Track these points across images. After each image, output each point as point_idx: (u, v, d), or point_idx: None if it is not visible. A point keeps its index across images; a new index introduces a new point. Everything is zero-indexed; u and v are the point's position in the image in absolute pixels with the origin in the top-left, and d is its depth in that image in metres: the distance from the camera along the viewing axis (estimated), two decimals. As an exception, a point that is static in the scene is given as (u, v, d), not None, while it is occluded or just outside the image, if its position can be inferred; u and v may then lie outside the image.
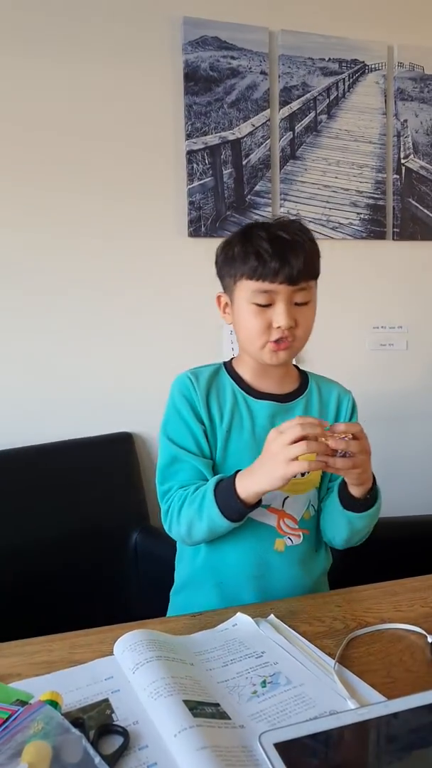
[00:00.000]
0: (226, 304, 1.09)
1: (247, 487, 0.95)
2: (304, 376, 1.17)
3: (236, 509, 0.96)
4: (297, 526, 1.09)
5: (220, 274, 1.09)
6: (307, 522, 1.10)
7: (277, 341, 1.02)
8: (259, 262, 0.99)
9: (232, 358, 1.15)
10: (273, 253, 0.99)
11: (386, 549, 1.47)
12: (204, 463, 1.06)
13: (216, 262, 1.10)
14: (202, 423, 1.07)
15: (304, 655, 0.83)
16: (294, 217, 1.09)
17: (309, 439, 0.89)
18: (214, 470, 1.08)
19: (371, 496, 1.02)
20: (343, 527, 1.06)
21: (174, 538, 1.08)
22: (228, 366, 1.14)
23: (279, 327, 1.01)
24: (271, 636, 0.87)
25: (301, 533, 1.09)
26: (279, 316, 1.01)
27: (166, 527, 1.07)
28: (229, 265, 1.05)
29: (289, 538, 1.08)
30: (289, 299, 1.01)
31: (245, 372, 1.11)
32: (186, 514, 1.01)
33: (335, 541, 1.10)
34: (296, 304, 1.02)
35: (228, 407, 1.08)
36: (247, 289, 1.02)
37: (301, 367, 1.19)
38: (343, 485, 1.03)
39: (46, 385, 1.80)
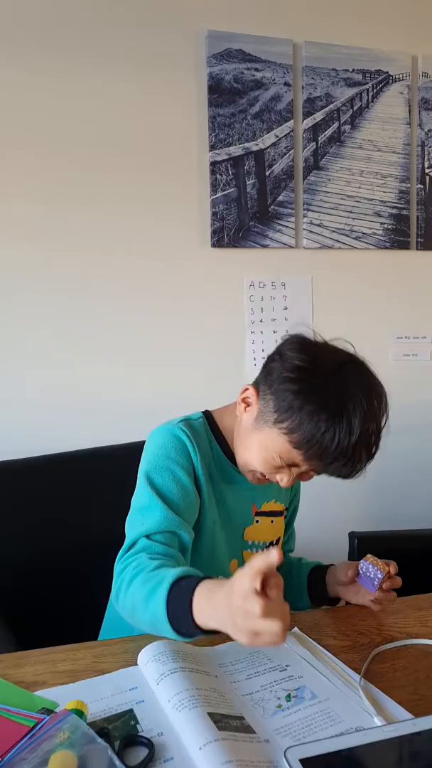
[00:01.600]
0: (246, 398, 0.99)
1: (204, 617, 0.74)
2: None
3: (187, 629, 0.77)
4: None
5: (268, 383, 0.96)
6: None
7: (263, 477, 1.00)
8: (322, 456, 0.90)
9: (208, 410, 1.07)
10: (338, 457, 0.89)
11: (410, 562, 1.45)
12: (185, 528, 0.94)
13: (279, 376, 0.94)
14: (196, 483, 0.99)
15: (329, 670, 0.82)
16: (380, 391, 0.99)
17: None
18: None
19: None
20: (303, 603, 1.12)
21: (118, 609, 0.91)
22: (208, 418, 1.05)
23: (278, 483, 0.97)
24: (295, 649, 0.87)
25: None
26: (285, 479, 0.95)
27: (113, 593, 0.91)
28: (288, 408, 0.90)
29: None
30: (301, 475, 0.97)
31: (227, 431, 1.04)
32: (132, 596, 0.84)
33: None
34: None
35: (215, 473, 1.02)
36: (279, 441, 0.92)
37: None
38: (319, 583, 1.10)
39: (64, 394, 1.82)
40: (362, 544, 1.42)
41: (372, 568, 0.99)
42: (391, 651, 0.87)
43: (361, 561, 1.01)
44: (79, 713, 0.69)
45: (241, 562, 1.06)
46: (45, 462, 1.55)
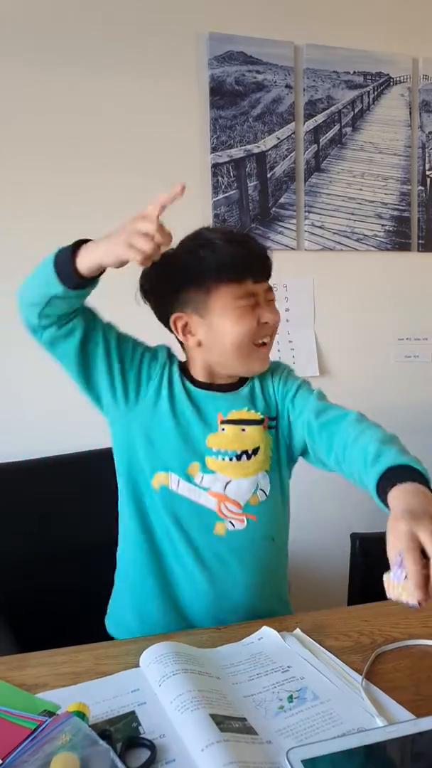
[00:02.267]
0: (186, 324, 1.07)
1: (83, 255, 0.94)
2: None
3: (68, 274, 0.95)
4: (240, 511, 1.06)
5: (172, 295, 1.07)
6: (254, 507, 1.06)
7: (263, 344, 1.05)
8: (238, 266, 1.01)
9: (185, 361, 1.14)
10: (241, 254, 1.02)
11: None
12: (115, 341, 1.09)
13: (152, 288, 1.11)
14: (139, 359, 1.09)
15: (331, 671, 0.82)
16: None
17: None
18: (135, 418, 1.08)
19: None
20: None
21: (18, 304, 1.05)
22: (178, 364, 1.13)
23: (266, 323, 1.03)
24: (297, 650, 0.87)
25: (245, 518, 1.06)
26: (267, 313, 1.03)
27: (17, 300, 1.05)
28: (193, 279, 1.04)
29: (230, 522, 1.06)
30: (266, 297, 1.05)
31: (196, 371, 1.10)
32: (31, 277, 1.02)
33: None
34: (270, 301, 1.06)
35: (165, 391, 1.07)
36: (227, 295, 1.02)
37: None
38: (382, 492, 0.87)
39: (65, 395, 1.82)
40: (364, 546, 1.42)
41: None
42: (392, 652, 0.87)
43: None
44: (81, 715, 0.69)
45: (204, 467, 1.05)
46: (46, 463, 1.55)
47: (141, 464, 1.07)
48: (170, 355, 1.14)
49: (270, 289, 1.06)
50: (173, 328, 1.09)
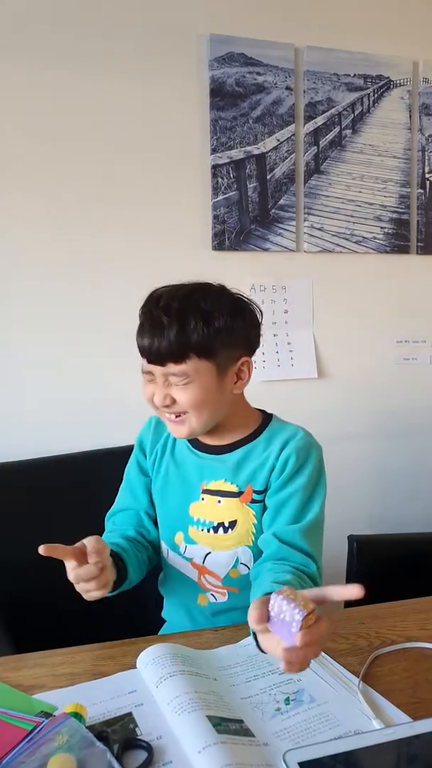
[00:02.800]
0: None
1: None
2: (262, 426, 1.08)
3: None
4: (220, 584, 1.04)
5: None
6: (234, 580, 1.03)
7: (167, 417, 1.01)
8: (138, 336, 1.00)
9: None
10: (146, 329, 0.98)
11: (409, 565, 1.45)
12: (139, 506, 1.13)
13: None
14: (145, 473, 1.14)
15: (328, 673, 0.82)
16: (201, 283, 1.06)
17: None
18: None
19: None
20: None
21: None
22: None
23: (153, 401, 1.01)
24: (294, 653, 0.86)
25: (226, 591, 1.05)
26: (158, 392, 0.99)
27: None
28: None
29: (212, 594, 1.06)
30: (163, 378, 0.98)
31: None
32: None
33: None
34: (181, 382, 0.97)
35: (166, 457, 1.12)
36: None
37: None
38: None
39: (65, 396, 1.82)
40: (361, 548, 1.42)
41: (288, 605, 0.66)
42: (390, 654, 0.87)
43: (273, 596, 0.69)
44: (78, 716, 0.69)
45: (187, 537, 1.06)
46: (45, 463, 1.55)
47: None
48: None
49: (174, 372, 0.96)
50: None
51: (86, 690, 0.79)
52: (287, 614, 0.66)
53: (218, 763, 0.62)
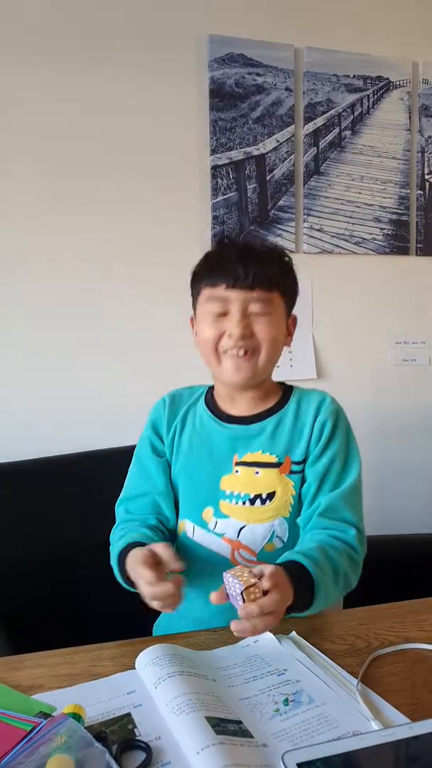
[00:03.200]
0: (192, 324, 1.08)
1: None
2: (287, 393, 1.09)
3: (125, 582, 0.97)
4: (255, 559, 1.01)
5: (192, 294, 1.08)
6: (269, 554, 1.01)
7: (236, 354, 0.98)
8: (213, 267, 1.00)
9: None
10: (227, 258, 0.98)
11: (408, 566, 1.45)
12: (155, 490, 1.08)
13: (190, 281, 1.09)
14: (161, 454, 1.10)
15: (327, 674, 0.82)
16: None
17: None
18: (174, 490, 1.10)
19: (302, 603, 0.86)
20: None
21: None
22: (209, 390, 1.13)
23: (231, 336, 0.97)
24: (293, 653, 0.87)
25: None
26: (233, 325, 0.97)
27: None
28: (194, 280, 1.05)
29: None
30: (243, 307, 0.97)
31: (218, 395, 1.10)
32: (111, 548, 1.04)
33: None
34: (257, 314, 0.98)
35: (188, 432, 1.08)
36: (204, 299, 1.01)
37: (294, 384, 1.12)
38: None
39: (65, 397, 1.82)
40: (360, 549, 1.42)
41: (233, 580, 0.78)
42: (388, 655, 0.87)
43: (224, 574, 0.80)
44: (77, 717, 0.69)
45: (217, 511, 1.03)
46: (43, 464, 1.55)
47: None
48: (177, 398, 1.13)
49: (259, 298, 0.97)
50: (191, 328, 1.10)
51: (85, 690, 0.78)
52: (233, 588, 0.78)
53: (217, 764, 0.62)
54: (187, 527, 1.06)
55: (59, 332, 1.81)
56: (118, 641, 0.92)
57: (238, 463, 1.03)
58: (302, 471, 1.03)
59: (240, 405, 1.07)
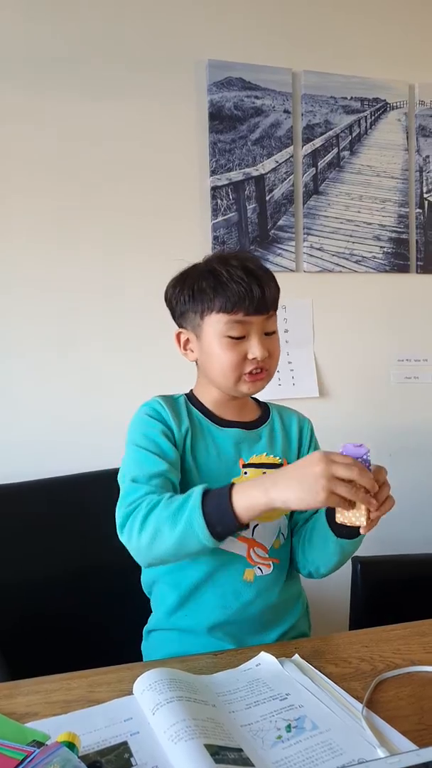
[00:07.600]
0: (187, 340, 1.09)
1: (252, 496, 0.85)
2: (264, 406, 1.18)
3: (226, 523, 0.86)
4: (267, 555, 1.07)
5: (180, 311, 1.08)
6: (276, 551, 1.08)
7: (252, 372, 1.03)
8: (233, 295, 1.00)
9: (191, 389, 1.15)
10: (238, 281, 1.00)
11: (414, 587, 1.42)
12: (167, 464, 1.00)
13: (169, 301, 1.11)
14: (173, 442, 1.04)
15: (331, 698, 0.79)
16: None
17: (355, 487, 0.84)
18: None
19: None
20: (334, 555, 1.03)
21: (131, 550, 0.95)
22: (190, 396, 1.13)
23: (255, 359, 1.01)
24: (296, 677, 0.84)
25: (271, 562, 1.07)
26: (255, 348, 1.01)
27: (124, 538, 0.95)
28: (193, 301, 1.04)
29: (258, 567, 1.06)
30: (261, 330, 1.03)
31: (208, 402, 1.11)
32: (155, 520, 0.90)
33: (321, 569, 1.07)
34: (266, 334, 1.04)
35: (191, 434, 1.07)
36: (218, 323, 1.02)
37: (261, 399, 1.19)
38: (331, 516, 0.97)
39: (64, 417, 1.81)
40: (366, 570, 1.39)
41: (353, 447, 0.87)
42: (394, 679, 0.85)
43: (341, 447, 0.88)
44: (71, 746, 0.66)
45: None
46: (41, 486, 1.53)
47: None
48: (168, 400, 1.09)
49: (269, 318, 1.04)
50: (176, 342, 1.12)
51: (80, 718, 0.76)
52: (355, 452, 0.87)
53: (216, 794, 0.59)
54: None
55: (55, 350, 1.80)
56: (117, 665, 0.89)
57: (245, 465, 1.07)
58: None
59: (232, 409, 1.11)
